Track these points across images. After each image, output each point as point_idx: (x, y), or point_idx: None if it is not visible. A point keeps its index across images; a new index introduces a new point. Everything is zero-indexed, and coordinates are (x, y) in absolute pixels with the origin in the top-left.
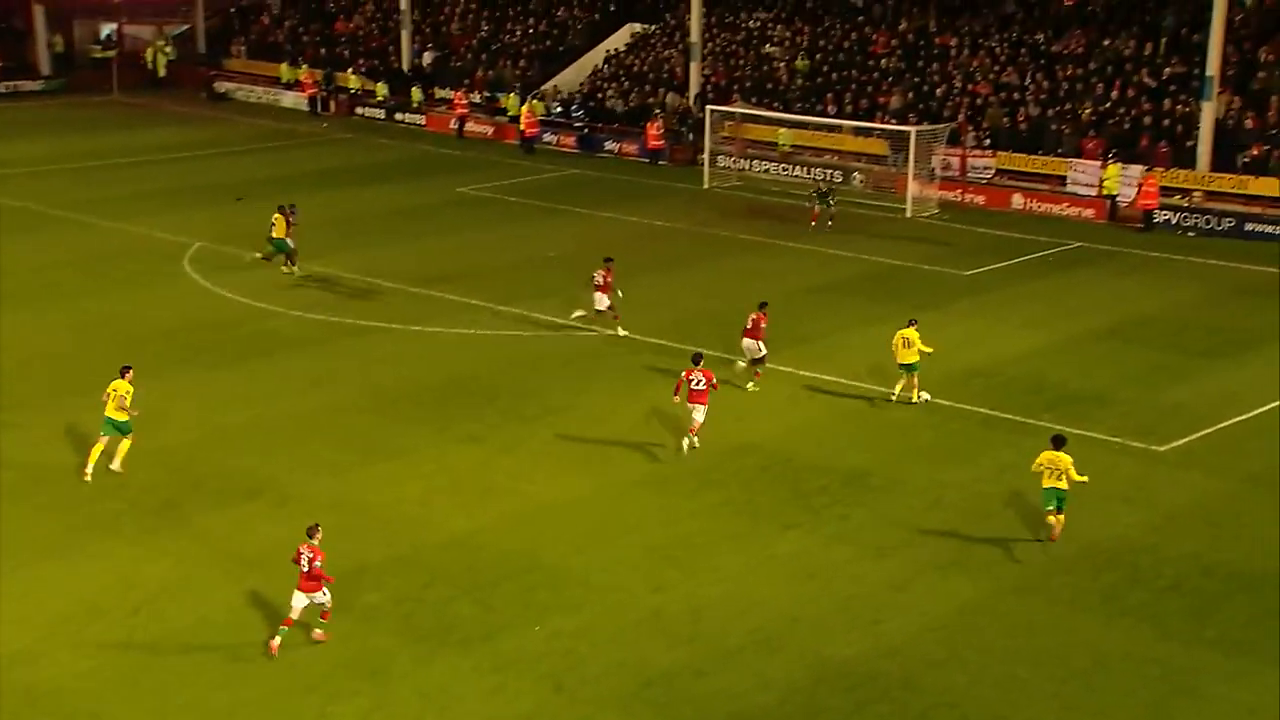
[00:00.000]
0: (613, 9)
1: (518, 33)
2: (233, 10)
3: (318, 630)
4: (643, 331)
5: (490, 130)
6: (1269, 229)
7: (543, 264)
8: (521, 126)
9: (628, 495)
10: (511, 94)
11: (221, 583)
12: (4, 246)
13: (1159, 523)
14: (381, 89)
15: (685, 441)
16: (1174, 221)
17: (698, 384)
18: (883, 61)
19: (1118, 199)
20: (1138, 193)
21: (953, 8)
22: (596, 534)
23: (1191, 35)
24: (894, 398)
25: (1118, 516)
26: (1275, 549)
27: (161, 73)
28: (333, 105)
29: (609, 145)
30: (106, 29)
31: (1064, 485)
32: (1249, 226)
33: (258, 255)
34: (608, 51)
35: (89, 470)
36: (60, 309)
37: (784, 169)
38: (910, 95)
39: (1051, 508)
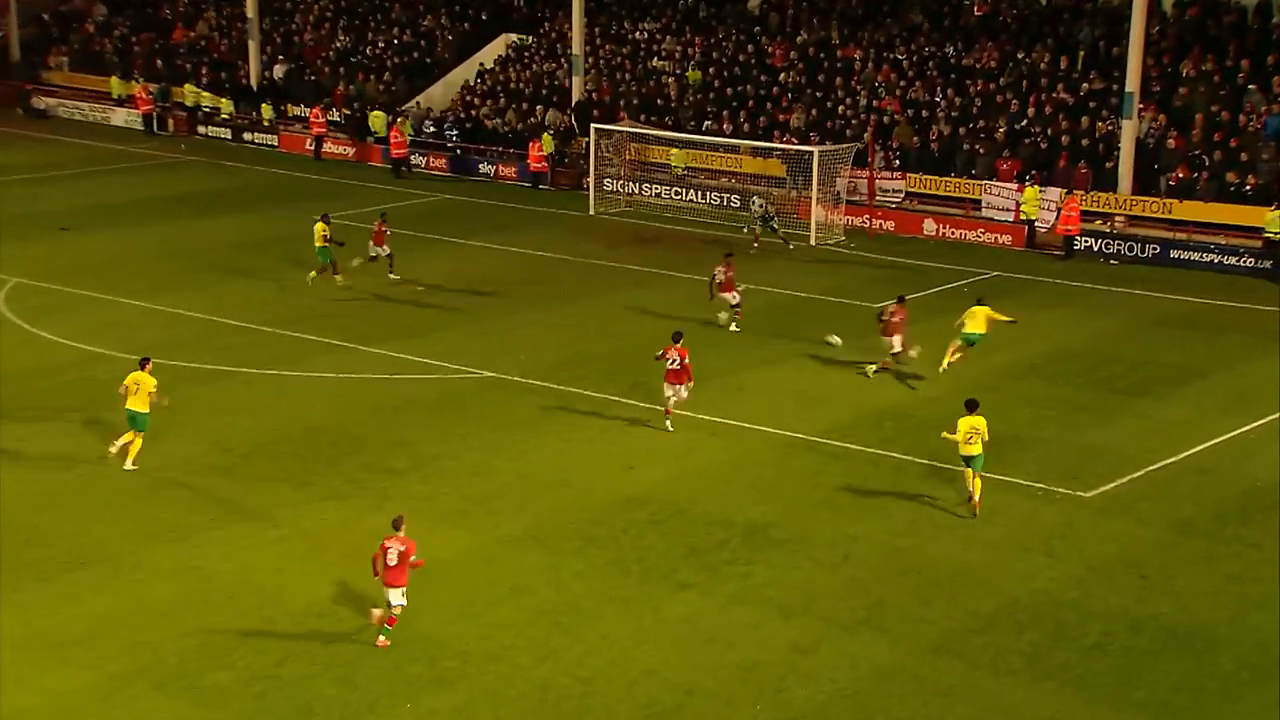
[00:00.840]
0: (484, 18)
1: (380, 44)
2: (49, 16)
3: (381, 637)
4: (523, 373)
5: (351, 151)
6: (1195, 256)
7: (412, 299)
8: (390, 148)
9: (508, 554)
10: (377, 111)
11: (43, 666)
12: None
13: (1084, 575)
14: (227, 105)
15: (667, 422)
16: (1096, 248)
17: (674, 363)
18: (781, 75)
19: (1036, 224)
20: (1057, 217)
21: (855, 18)
22: (474, 598)
23: (1110, 49)
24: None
25: (1040, 569)
26: (1207, 602)
27: None
28: (171, 123)
29: (484, 168)
30: None
31: (979, 449)
32: (1174, 253)
33: (313, 275)
34: (481, 65)
35: (113, 449)
36: None
37: (677, 193)
38: (812, 112)
39: (973, 471)
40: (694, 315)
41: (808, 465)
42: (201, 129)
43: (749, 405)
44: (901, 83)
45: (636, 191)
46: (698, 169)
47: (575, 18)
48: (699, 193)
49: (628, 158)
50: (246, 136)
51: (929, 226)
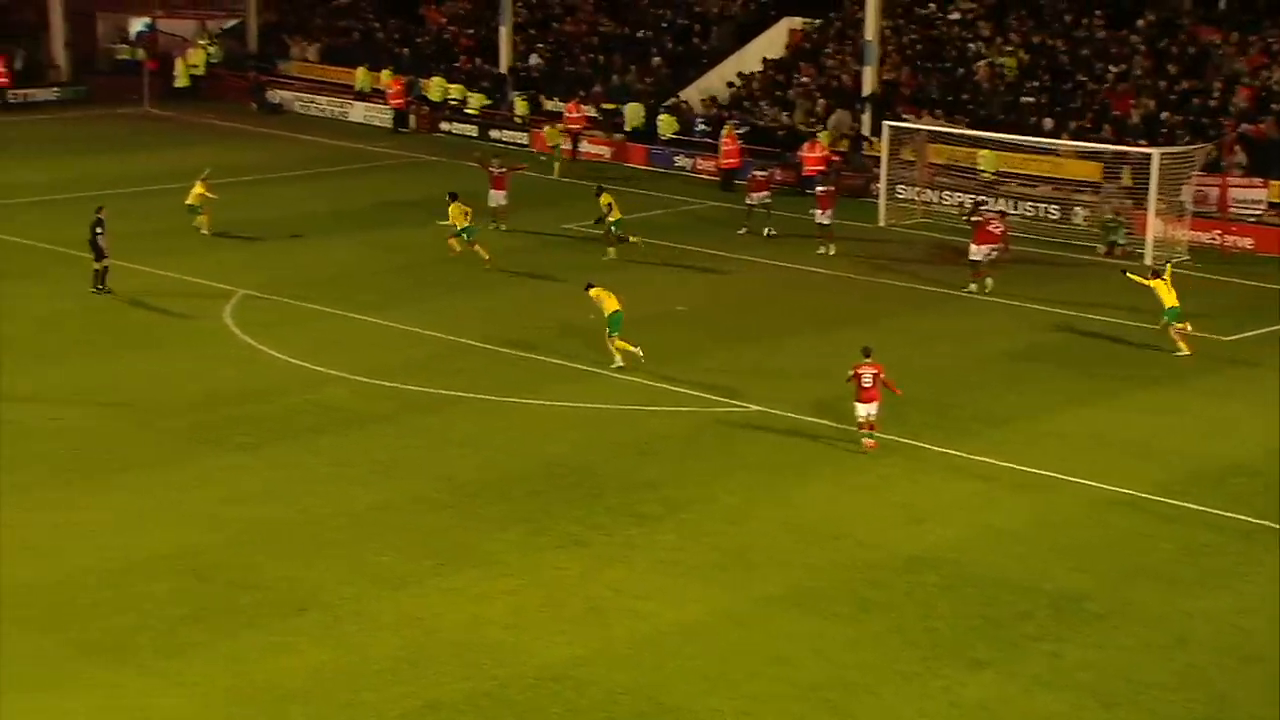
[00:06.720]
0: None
1: (647, 29)
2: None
3: (869, 440)
4: (794, 408)
5: (608, 152)
6: None
7: (668, 320)
8: (721, 157)
9: (771, 618)
10: (635, 103)
11: None
12: (2, 291)
13: None
14: (477, 99)
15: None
16: None
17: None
18: (1120, 63)
19: None
20: None
21: None
22: (731, 667)
23: None
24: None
25: None
26: None
27: (184, 82)
28: (413, 119)
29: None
30: (138, 24)
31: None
32: None
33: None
34: (765, 57)
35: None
36: (65, 371)
37: (984, 202)
38: (1154, 106)
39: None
40: (994, 348)
41: (1133, 527)
42: (445, 125)
43: (1060, 453)
44: (1271, 69)
45: (935, 200)
46: (1009, 173)
47: None
48: (1011, 202)
49: (927, 160)
50: (494, 135)
51: None
